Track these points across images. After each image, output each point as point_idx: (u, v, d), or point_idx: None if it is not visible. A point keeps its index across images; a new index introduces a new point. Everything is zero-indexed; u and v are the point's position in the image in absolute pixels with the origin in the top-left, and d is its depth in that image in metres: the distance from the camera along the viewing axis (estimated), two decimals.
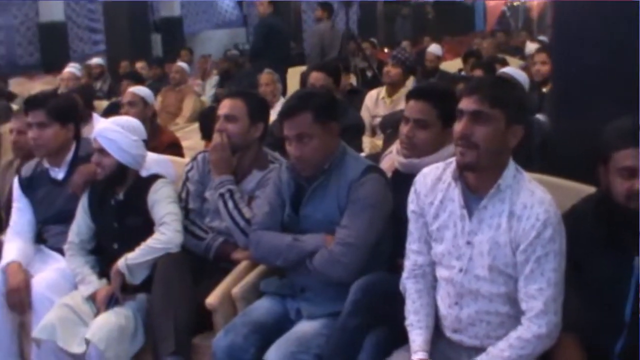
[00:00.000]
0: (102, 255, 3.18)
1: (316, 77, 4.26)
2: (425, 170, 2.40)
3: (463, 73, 7.72)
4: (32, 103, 3.35)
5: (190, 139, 5.01)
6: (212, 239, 3.08)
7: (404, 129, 2.73)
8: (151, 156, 3.30)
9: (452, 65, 8.74)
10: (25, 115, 3.35)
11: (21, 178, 3.40)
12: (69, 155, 3.35)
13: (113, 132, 3.04)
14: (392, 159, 2.89)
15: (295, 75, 9.05)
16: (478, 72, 5.22)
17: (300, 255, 2.66)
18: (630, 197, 2.15)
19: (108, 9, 10.61)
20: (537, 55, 5.42)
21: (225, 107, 3.11)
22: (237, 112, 3.08)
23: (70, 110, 3.40)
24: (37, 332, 2.87)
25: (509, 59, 9.03)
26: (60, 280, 3.11)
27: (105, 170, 3.04)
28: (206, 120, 4.20)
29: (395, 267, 2.61)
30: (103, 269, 3.11)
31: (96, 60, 9.28)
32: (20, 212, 3.36)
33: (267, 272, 2.90)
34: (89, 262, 3.14)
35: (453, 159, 2.29)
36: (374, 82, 7.53)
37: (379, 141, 4.57)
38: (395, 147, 2.89)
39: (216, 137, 3.09)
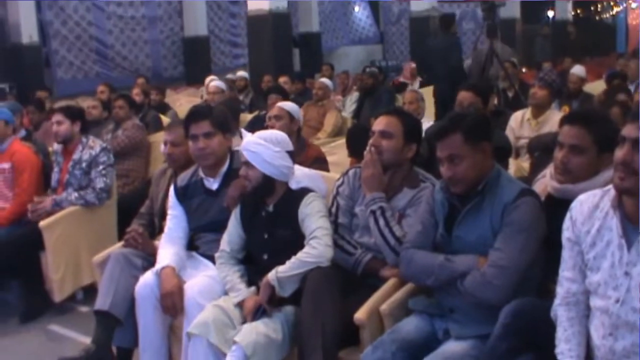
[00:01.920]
0: (252, 265, 3.30)
1: (464, 96, 4.25)
2: (581, 197, 2.37)
3: None
4: (197, 115, 3.53)
5: (336, 154, 5.12)
6: (361, 254, 3.14)
7: (558, 154, 2.70)
8: (302, 170, 3.40)
9: (595, 87, 8.45)
10: (185, 128, 3.55)
11: (177, 187, 3.59)
12: (224, 167, 3.51)
13: (256, 145, 3.16)
14: (545, 184, 2.86)
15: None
16: (621, 96, 5.11)
17: (452, 275, 2.68)
18: None
19: (252, 23, 11.01)
20: None
21: (381, 123, 3.18)
22: (392, 129, 3.14)
23: (229, 121, 3.59)
24: (192, 327, 3.00)
25: None
26: (211, 287, 3.25)
27: (252, 182, 3.17)
28: (354, 137, 4.29)
29: (546, 292, 2.59)
30: (252, 278, 3.23)
31: (241, 74, 9.63)
32: (176, 220, 3.55)
33: (415, 290, 2.93)
34: (239, 270, 3.27)
35: (611, 187, 2.26)
36: (515, 103, 7.41)
37: (524, 163, 4.51)
38: (548, 171, 2.85)
39: (368, 154, 3.15)
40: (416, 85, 11.08)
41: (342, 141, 5.26)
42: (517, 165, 4.46)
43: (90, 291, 4.78)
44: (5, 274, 4.70)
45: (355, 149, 4.27)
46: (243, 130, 3.42)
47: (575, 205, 2.36)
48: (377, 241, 3.07)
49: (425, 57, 8.85)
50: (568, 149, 2.67)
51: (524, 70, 12.53)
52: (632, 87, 7.63)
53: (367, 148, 3.18)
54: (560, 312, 2.35)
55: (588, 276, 2.29)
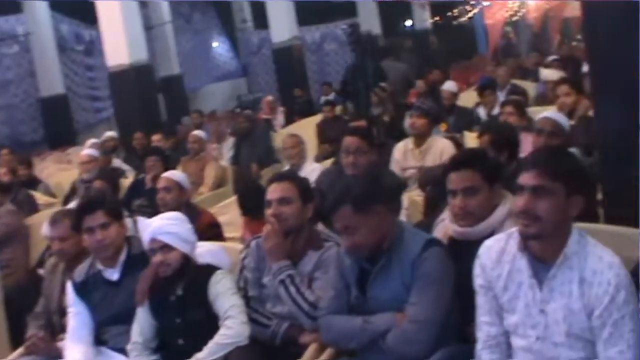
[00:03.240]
0: (168, 352, 3.28)
1: (350, 141, 4.36)
2: (488, 242, 2.53)
3: (481, 107, 7.88)
4: (90, 206, 3.49)
5: (226, 214, 5.13)
6: (277, 325, 3.19)
7: (454, 202, 2.86)
8: (204, 246, 3.43)
9: (468, 98, 8.86)
10: (77, 220, 3.48)
11: (75, 283, 3.51)
12: (123, 255, 3.47)
13: (171, 226, 3.18)
14: (446, 227, 3.01)
15: (308, 127, 9.26)
16: (509, 109, 5.45)
17: (373, 336, 2.77)
18: None
19: (114, 78, 10.85)
20: (559, 88, 5.61)
21: (276, 191, 3.24)
22: (289, 194, 3.21)
23: (120, 206, 3.56)
24: None
25: (524, 83, 9.23)
26: None
27: (172, 265, 3.16)
28: (247, 196, 4.34)
29: (465, 335, 2.74)
30: None
31: (109, 134, 9.44)
32: (78, 317, 3.47)
33: (337, 353, 2.99)
34: None
35: (515, 229, 2.43)
36: (393, 127, 7.65)
37: (417, 197, 4.66)
38: (447, 214, 3.02)
39: (268, 225, 3.21)
40: (279, 119, 11.22)
41: (229, 200, 5.29)
42: (410, 200, 4.61)
43: None
44: None
45: (249, 208, 4.32)
46: (141, 219, 3.40)
47: (483, 251, 2.51)
48: (291, 309, 3.13)
49: None
50: (462, 194, 2.83)
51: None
52: (501, 94, 8.05)
53: (268, 218, 3.24)
54: (484, 356, 2.49)
55: (505, 318, 2.44)
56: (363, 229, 2.77)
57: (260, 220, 3.51)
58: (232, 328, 3.04)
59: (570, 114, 5.19)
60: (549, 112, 4.65)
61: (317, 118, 9.58)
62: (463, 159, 2.96)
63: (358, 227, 2.77)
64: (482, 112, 7.77)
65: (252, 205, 4.26)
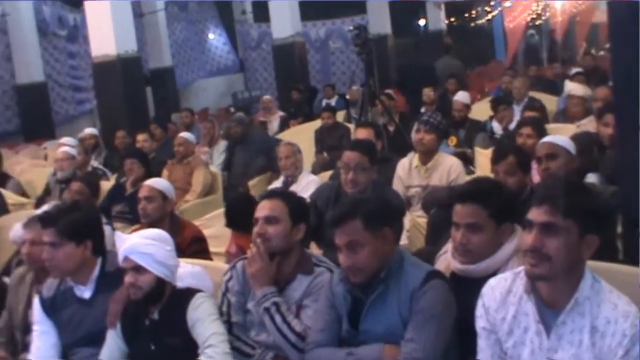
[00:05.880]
0: None
1: (350, 157, 4.38)
2: (492, 282, 2.54)
3: (494, 122, 7.88)
4: (45, 220, 3.50)
5: (212, 226, 5.13)
6: (260, 355, 3.19)
7: (456, 235, 2.86)
8: (185, 267, 3.42)
9: (480, 110, 8.85)
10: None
11: (43, 298, 3.50)
12: (95, 272, 3.46)
13: (147, 246, 3.16)
14: (448, 260, 3.02)
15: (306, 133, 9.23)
16: (527, 130, 5.33)
17: None
18: None
19: (98, 69, 10.78)
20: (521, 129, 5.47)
21: (264, 208, 3.24)
22: (277, 213, 3.21)
23: (87, 227, 3.51)
24: None
25: (543, 96, 9.21)
26: None
27: (144, 289, 3.14)
28: (236, 209, 4.34)
29: None
30: None
31: (89, 131, 9.40)
32: (44, 336, 3.46)
33: None
34: None
35: (522, 269, 2.43)
36: (398, 140, 7.64)
37: (419, 219, 4.66)
38: (450, 247, 3.02)
39: (253, 247, 3.20)
40: (275, 122, 11.22)
41: (217, 212, 5.28)
42: (413, 222, 4.61)
43: None
44: None
45: (237, 221, 4.32)
46: (118, 233, 3.39)
47: (486, 291, 2.51)
48: (275, 339, 3.12)
49: None
50: (465, 228, 2.83)
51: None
52: (517, 108, 8.06)
53: (252, 239, 3.24)
54: None
55: None
56: (368, 248, 2.78)
57: (249, 235, 3.49)
58: (214, 358, 3.03)
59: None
60: (548, 136, 4.62)
61: (315, 124, 9.55)
62: (471, 192, 2.94)
63: (364, 245, 2.78)
64: (496, 126, 7.77)
65: (239, 218, 4.25)
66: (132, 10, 11.39)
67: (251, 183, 7.32)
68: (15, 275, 4.05)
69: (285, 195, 3.39)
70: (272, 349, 3.19)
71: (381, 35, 16.92)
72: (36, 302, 3.54)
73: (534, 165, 4.30)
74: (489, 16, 21.79)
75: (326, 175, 6.15)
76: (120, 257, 3.19)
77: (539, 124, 5.63)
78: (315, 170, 7.27)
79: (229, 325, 3.25)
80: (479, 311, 2.52)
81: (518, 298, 2.43)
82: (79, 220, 3.49)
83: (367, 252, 2.78)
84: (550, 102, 8.99)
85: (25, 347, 3.66)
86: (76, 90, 15.70)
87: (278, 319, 3.11)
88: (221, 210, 5.03)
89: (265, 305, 3.13)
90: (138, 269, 3.14)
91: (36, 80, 14.57)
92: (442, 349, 2.73)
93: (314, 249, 4.22)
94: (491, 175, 4.12)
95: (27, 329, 3.71)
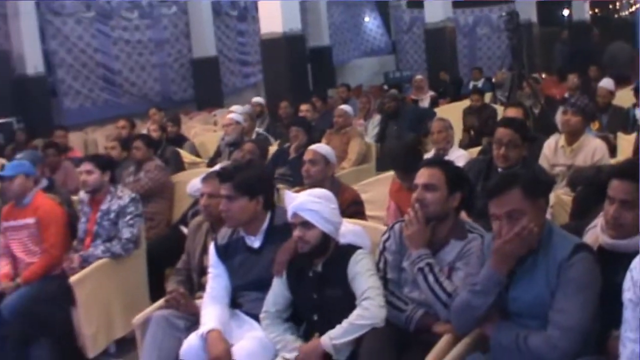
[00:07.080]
0: (300, 325, 3.36)
1: (503, 133, 4.28)
2: None
3: (637, 109, 7.48)
4: (223, 176, 3.63)
5: (368, 192, 5.15)
6: (412, 310, 3.19)
7: (609, 208, 2.74)
8: (346, 225, 3.45)
9: (624, 97, 8.44)
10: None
11: (217, 245, 3.64)
12: (264, 225, 3.56)
13: (314, 204, 3.21)
14: (597, 234, 2.90)
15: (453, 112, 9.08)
16: None
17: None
18: None
19: (265, 45, 11.07)
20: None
21: (423, 176, 3.22)
22: (435, 180, 3.18)
23: (259, 183, 3.60)
24: None
25: None
26: (259, 350, 3.30)
27: (311, 243, 3.20)
28: (404, 153, 4.47)
29: (603, 348, 2.65)
30: (301, 337, 3.29)
31: (256, 99, 9.69)
32: (218, 279, 3.60)
33: (471, 347, 2.95)
34: (289, 329, 3.34)
35: None
36: (543, 120, 7.41)
37: (564, 196, 4.49)
38: (599, 221, 2.89)
39: (411, 211, 3.19)
40: (426, 101, 11.09)
41: (373, 178, 5.29)
42: (558, 199, 4.45)
43: (122, 343, 4.84)
44: (35, 330, 4.75)
45: (402, 164, 4.40)
46: (288, 192, 3.45)
47: (635, 265, 2.40)
48: (427, 298, 3.12)
49: None
50: (619, 204, 2.70)
51: (543, 76, 12.56)
52: None
53: (411, 203, 3.22)
54: None
55: None
56: (526, 218, 2.70)
57: (409, 188, 3.48)
58: (369, 309, 3.06)
59: None
60: None
61: (464, 104, 9.41)
62: (630, 170, 2.80)
63: (524, 214, 2.71)
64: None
65: (405, 161, 4.34)
66: None
67: None
68: (193, 224, 4.22)
69: (443, 164, 3.35)
70: (423, 306, 3.18)
71: (527, 23, 16.44)
72: (211, 248, 3.68)
73: None
74: (633, 8, 20.71)
75: (475, 152, 6.03)
76: (290, 213, 3.26)
77: None
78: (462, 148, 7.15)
79: (385, 281, 3.26)
80: (627, 284, 2.42)
81: None
82: (252, 177, 3.60)
83: (524, 223, 2.71)
84: None
85: (201, 287, 3.83)
86: (243, 64, 16.27)
87: (431, 278, 3.09)
88: (376, 177, 5.05)
89: (419, 265, 3.13)
90: (306, 225, 3.20)
91: (210, 54, 15.19)
92: (590, 319, 2.65)
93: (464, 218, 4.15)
94: None
95: (202, 271, 3.87)
